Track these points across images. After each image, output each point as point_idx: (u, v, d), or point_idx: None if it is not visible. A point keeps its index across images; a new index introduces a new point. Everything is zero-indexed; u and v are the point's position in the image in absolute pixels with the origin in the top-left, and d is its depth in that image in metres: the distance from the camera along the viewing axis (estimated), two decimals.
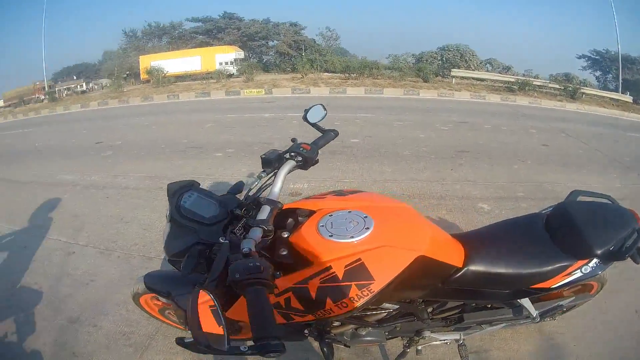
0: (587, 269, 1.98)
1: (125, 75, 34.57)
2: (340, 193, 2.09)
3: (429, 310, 2.21)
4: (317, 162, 2.19)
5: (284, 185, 1.98)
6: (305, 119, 2.40)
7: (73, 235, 4.85)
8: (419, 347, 2.46)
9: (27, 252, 4.64)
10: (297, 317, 1.77)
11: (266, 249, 1.75)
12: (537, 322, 2.36)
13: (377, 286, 1.63)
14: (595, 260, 1.97)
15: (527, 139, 8.03)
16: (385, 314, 2.09)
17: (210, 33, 38.90)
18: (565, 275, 1.99)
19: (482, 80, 22.02)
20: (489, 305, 2.30)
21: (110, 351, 2.92)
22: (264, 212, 1.72)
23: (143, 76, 27.59)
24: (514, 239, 2.12)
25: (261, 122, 9.95)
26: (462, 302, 2.25)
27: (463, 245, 2.03)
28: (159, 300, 2.57)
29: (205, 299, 1.22)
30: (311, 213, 1.91)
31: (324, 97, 14.98)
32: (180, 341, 1.23)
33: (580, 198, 2.35)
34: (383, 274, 1.65)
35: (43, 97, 34.06)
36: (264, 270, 1.32)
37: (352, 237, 1.69)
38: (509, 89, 18.81)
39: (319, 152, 2.22)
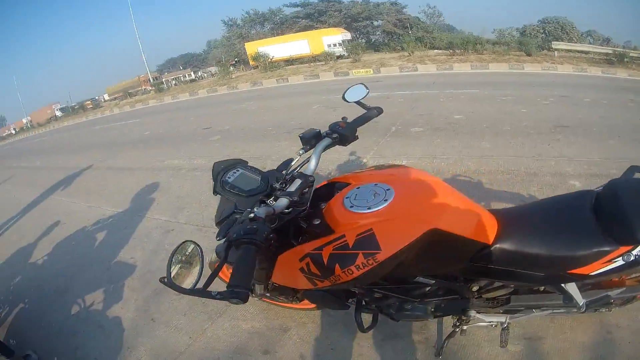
0: (630, 256, 1.79)
1: (234, 62, 35.89)
2: (379, 167, 2.21)
3: (474, 289, 2.15)
4: (356, 138, 2.36)
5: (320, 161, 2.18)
6: (343, 98, 2.58)
7: (174, 214, 5.33)
8: (465, 327, 2.41)
9: (127, 231, 5.21)
10: (318, 282, 1.88)
11: (305, 219, 1.94)
12: (583, 311, 2.14)
13: (382, 256, 1.69)
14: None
15: (626, 113, 7.52)
16: (428, 289, 2.13)
17: (311, 17, 39.23)
18: (606, 262, 1.82)
19: (583, 52, 20.80)
20: (541, 289, 2.18)
21: (186, 317, 3.30)
22: (294, 185, 1.91)
23: (252, 62, 28.36)
24: (555, 217, 2.01)
25: (367, 101, 10.05)
26: (511, 284, 2.14)
27: (499, 222, 1.97)
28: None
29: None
30: (347, 186, 2.04)
31: (431, 74, 14.74)
32: (161, 280, 1.56)
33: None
34: (390, 245, 1.70)
35: (150, 88, 36.30)
36: (257, 233, 1.51)
37: (369, 208, 1.80)
38: (609, 61, 17.46)
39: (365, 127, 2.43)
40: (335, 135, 2.29)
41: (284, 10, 40.52)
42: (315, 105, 11.22)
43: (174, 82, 45.44)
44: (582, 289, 2.07)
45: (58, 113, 56.19)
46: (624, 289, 2.15)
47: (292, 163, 2.20)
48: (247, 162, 2.24)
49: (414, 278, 2.02)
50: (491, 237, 1.89)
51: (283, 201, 1.81)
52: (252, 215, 1.63)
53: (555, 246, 1.86)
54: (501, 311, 2.29)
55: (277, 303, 3.07)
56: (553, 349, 2.45)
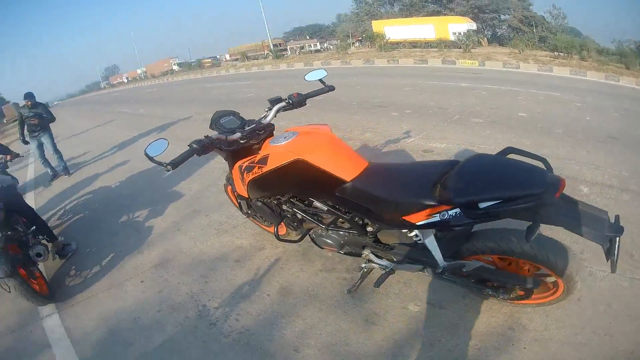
0: (445, 215, 2.18)
1: (360, 38, 36.31)
2: (310, 124, 3.04)
3: (369, 229, 2.70)
4: (304, 105, 3.38)
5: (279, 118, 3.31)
6: (304, 78, 3.63)
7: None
8: (363, 265, 3.03)
9: (195, 168, 6.88)
10: (243, 188, 3.08)
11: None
12: (439, 272, 2.54)
13: (264, 170, 2.70)
14: (457, 210, 2.15)
15: None
16: (331, 219, 2.88)
17: (440, 2, 38.65)
18: (428, 216, 2.24)
19: None
20: (413, 243, 2.61)
21: (203, 231, 4.74)
22: (249, 127, 3.04)
23: (389, 39, 28.38)
24: (411, 173, 2.51)
25: (452, 90, 10.53)
26: (366, 219, 2.69)
27: (368, 169, 2.58)
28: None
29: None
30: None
31: (530, 73, 14.67)
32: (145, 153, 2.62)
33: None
34: (272, 164, 2.65)
35: (268, 53, 37.58)
36: (198, 144, 2.63)
37: (278, 143, 2.71)
38: None
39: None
40: (288, 101, 3.31)
41: None
42: (407, 87, 11.70)
43: (298, 50, 46.63)
44: (445, 254, 2.49)
45: (175, 67, 58.87)
46: (480, 265, 2.47)
47: (263, 116, 3.23)
48: (239, 113, 3.27)
49: (289, 194, 2.97)
50: (351, 176, 2.50)
51: (237, 134, 2.95)
52: (204, 138, 2.72)
53: (396, 193, 2.36)
54: (393, 258, 2.77)
55: (262, 226, 4.20)
56: (447, 320, 2.85)
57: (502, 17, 38.63)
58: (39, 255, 4.14)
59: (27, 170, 10.45)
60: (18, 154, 5.86)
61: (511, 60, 16.30)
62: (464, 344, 2.66)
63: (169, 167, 2.47)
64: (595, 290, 2.95)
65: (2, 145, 5.85)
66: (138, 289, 3.91)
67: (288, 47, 49.53)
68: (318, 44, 47.43)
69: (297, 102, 3.30)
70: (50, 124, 8.70)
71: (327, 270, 3.58)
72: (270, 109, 3.22)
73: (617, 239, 2.01)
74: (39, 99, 8.55)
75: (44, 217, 5.46)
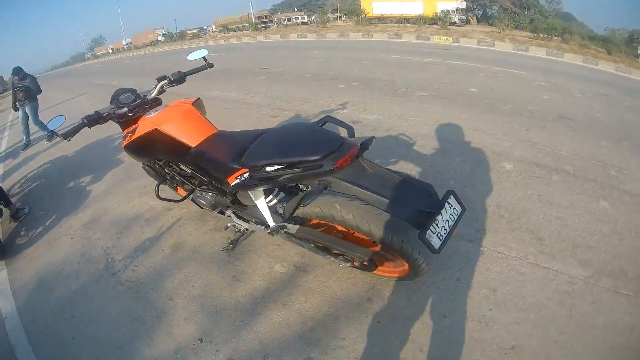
0: (242, 177, 2.42)
1: (346, 12, 35.83)
2: (184, 98, 3.29)
3: (227, 190, 2.78)
4: (183, 82, 3.54)
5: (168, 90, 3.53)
6: (187, 58, 3.81)
7: None
8: (228, 224, 3.32)
9: None
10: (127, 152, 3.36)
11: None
12: (268, 232, 2.72)
13: (133, 138, 3.08)
14: (248, 174, 2.38)
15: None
16: (197, 181, 3.12)
17: None
18: (235, 178, 2.48)
19: None
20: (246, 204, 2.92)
21: (128, 194, 5.00)
22: (133, 101, 3.29)
23: (368, 13, 28.00)
24: (240, 139, 2.65)
25: (414, 65, 10.18)
26: (204, 180, 2.97)
27: (212, 136, 2.85)
28: None
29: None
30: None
31: (503, 51, 14.28)
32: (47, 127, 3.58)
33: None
34: (137, 133, 3.02)
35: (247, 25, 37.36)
36: (88, 117, 2.99)
37: (147, 115, 3.07)
38: None
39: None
40: (170, 79, 3.44)
41: None
42: (367, 61, 11.35)
43: (285, 22, 46.17)
44: (284, 216, 2.59)
45: (160, 38, 59.07)
46: (297, 227, 2.58)
47: (151, 90, 3.45)
48: (136, 90, 3.45)
49: (155, 157, 3.24)
50: (195, 142, 2.79)
51: (124, 109, 3.21)
52: (93, 113, 3.07)
53: (221, 157, 2.58)
54: (246, 218, 3.01)
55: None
56: (307, 284, 2.96)
57: None
58: None
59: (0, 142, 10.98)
60: None
61: (487, 38, 15.87)
62: (316, 308, 2.75)
63: (64, 137, 2.97)
64: (483, 273, 2.84)
65: None
66: (67, 244, 4.36)
67: (275, 19, 49.03)
68: (305, 16, 46.81)
69: (176, 79, 3.49)
70: (37, 96, 9.35)
71: (217, 229, 3.83)
72: (155, 86, 3.45)
73: (435, 216, 2.04)
74: (27, 69, 9.18)
75: (9, 186, 6.52)
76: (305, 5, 60.23)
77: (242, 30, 38.44)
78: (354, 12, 27.74)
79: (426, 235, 2.00)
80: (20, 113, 9.29)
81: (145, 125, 3.02)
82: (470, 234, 3.20)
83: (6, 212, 5.30)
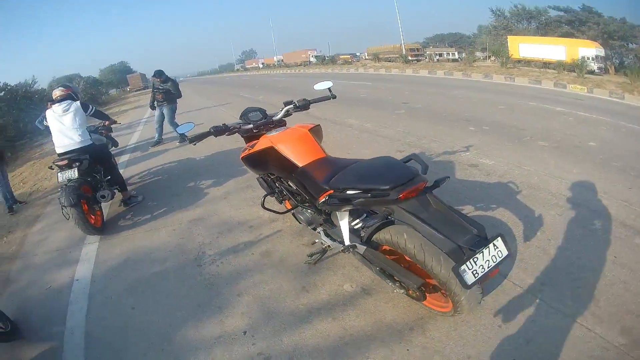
0: (328, 197, 2.74)
1: (491, 53, 35.45)
2: (303, 124, 3.69)
3: (318, 207, 3.10)
4: (307, 108, 4.05)
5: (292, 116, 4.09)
6: (313, 87, 4.36)
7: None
8: (316, 240, 3.72)
9: None
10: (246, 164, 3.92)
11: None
12: (342, 250, 3.12)
13: (251, 151, 3.61)
14: (332, 194, 2.71)
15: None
16: (299, 198, 3.52)
17: (572, 24, 36.53)
18: (324, 197, 2.79)
19: None
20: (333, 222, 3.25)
21: (242, 202, 5.79)
22: (257, 117, 3.87)
23: (512, 55, 27.54)
24: (337, 165, 3.01)
25: (544, 113, 10.18)
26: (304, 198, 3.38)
27: (318, 160, 3.19)
28: None
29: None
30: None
31: (632, 105, 13.17)
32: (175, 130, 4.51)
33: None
34: (256, 148, 3.54)
35: (397, 56, 37.51)
36: (215, 127, 3.58)
37: (268, 134, 3.55)
38: None
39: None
40: (296, 104, 3.98)
41: (549, 12, 38.30)
42: (503, 106, 11.52)
43: (436, 57, 46.18)
44: (353, 237, 2.98)
45: (312, 59, 59.60)
46: (365, 248, 2.89)
47: (279, 113, 3.96)
48: (265, 110, 3.99)
49: (268, 171, 3.75)
50: (303, 163, 3.16)
51: (250, 125, 3.78)
52: (221, 125, 3.63)
53: (317, 178, 2.93)
54: (332, 236, 3.39)
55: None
56: (364, 304, 3.30)
57: (630, 45, 35.53)
58: (102, 197, 5.52)
59: (132, 135, 12.60)
60: (115, 121, 7.26)
61: (618, 90, 15.01)
62: (360, 327, 3.05)
63: (190, 141, 3.58)
64: (528, 323, 2.92)
65: (103, 112, 6.99)
66: (167, 234, 5.12)
67: (427, 52, 49.11)
68: (456, 53, 46.59)
69: (301, 105, 3.99)
70: (176, 99, 10.42)
71: (308, 244, 4.26)
72: (282, 109, 3.95)
73: (475, 253, 2.25)
74: (172, 73, 10.21)
75: (130, 174, 7.73)
76: (457, 41, 59.87)
77: (392, 61, 39.22)
78: (498, 53, 27.45)
79: (460, 269, 2.19)
80: (157, 112, 10.34)
81: (264, 142, 3.47)
82: (531, 284, 3.33)
83: (119, 196, 6.23)
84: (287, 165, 3.26)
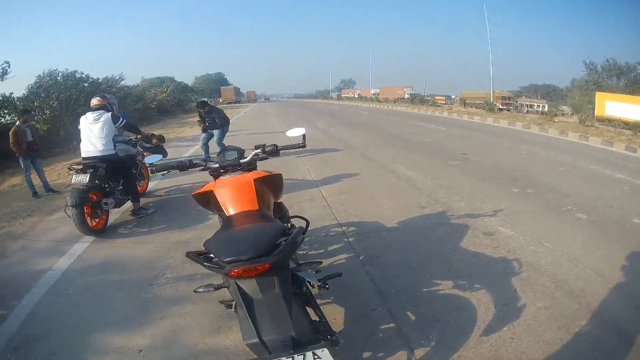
0: (191, 255, 2.65)
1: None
2: (259, 172, 3.61)
3: None
4: (277, 155, 3.94)
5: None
6: (285, 134, 4.41)
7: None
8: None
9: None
10: None
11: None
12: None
13: (200, 190, 3.52)
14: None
15: None
16: None
17: None
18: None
19: None
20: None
21: None
22: (232, 157, 3.75)
23: (598, 113, 25.92)
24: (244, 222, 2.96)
25: (599, 180, 9.29)
26: None
27: (248, 211, 3.05)
28: None
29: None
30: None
31: None
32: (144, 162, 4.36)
33: None
34: (204, 189, 3.49)
35: (482, 103, 36.86)
36: (180, 162, 3.87)
37: (222, 176, 3.58)
38: None
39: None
40: (263, 149, 3.90)
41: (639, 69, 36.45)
42: (563, 167, 10.68)
43: (526, 107, 45.24)
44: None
45: (407, 96, 60.18)
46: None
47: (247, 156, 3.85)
48: (244, 151, 3.90)
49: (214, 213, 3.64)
50: (231, 212, 3.11)
51: (215, 165, 3.74)
52: (186, 161, 3.87)
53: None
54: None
55: None
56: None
57: None
58: (105, 204, 6.12)
59: (189, 149, 13.93)
60: (146, 135, 8.06)
61: None
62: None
63: (153, 171, 3.99)
64: None
65: (135, 126, 7.55)
66: (150, 249, 5.56)
67: (519, 102, 48.20)
68: (546, 105, 45.44)
69: (268, 151, 3.90)
70: (223, 126, 11.29)
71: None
72: (251, 153, 3.88)
73: (274, 357, 2.09)
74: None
75: (161, 187, 8.58)
76: (549, 93, 58.30)
77: (479, 108, 38.59)
78: (580, 109, 25.88)
79: None
80: (204, 134, 11.36)
81: (211, 184, 3.50)
82: None
83: (131, 206, 6.88)
84: (221, 212, 3.25)
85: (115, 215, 6.98)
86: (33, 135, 9.61)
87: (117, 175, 6.65)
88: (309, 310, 2.56)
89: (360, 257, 5.16)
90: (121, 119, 6.50)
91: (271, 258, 2.23)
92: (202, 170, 3.87)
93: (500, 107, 38.89)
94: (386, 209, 7.01)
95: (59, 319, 4.05)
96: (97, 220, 6.16)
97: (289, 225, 4.04)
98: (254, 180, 3.33)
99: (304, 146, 4.18)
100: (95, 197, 6.14)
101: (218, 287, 3.03)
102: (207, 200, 3.48)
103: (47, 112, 22.58)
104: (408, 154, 12.18)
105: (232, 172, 3.68)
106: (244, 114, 40.36)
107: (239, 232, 2.61)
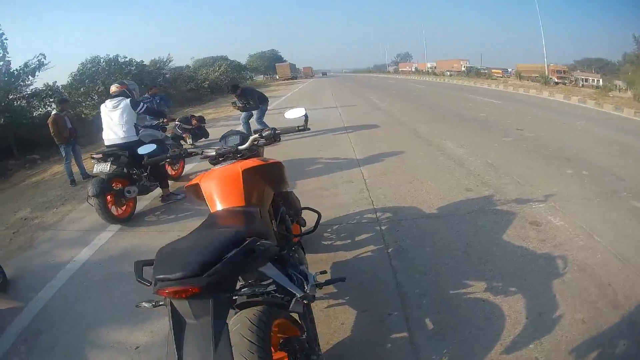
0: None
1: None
2: (254, 160, 3.26)
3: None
4: (278, 140, 3.52)
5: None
6: (284, 115, 3.89)
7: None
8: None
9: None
10: None
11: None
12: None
13: (192, 182, 3.16)
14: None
15: None
16: None
17: None
18: None
19: None
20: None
21: None
22: (235, 142, 3.46)
23: None
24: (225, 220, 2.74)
25: None
26: None
27: (233, 207, 2.73)
28: None
29: None
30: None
31: None
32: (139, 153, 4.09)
33: None
34: (194, 180, 3.13)
35: (538, 77, 35.60)
36: (174, 153, 4.00)
37: (214, 166, 3.25)
38: None
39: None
40: (261, 134, 3.49)
41: None
42: (618, 146, 9.66)
43: (582, 82, 43.62)
44: None
45: (463, 69, 59.48)
46: None
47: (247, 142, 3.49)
48: (246, 135, 3.59)
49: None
50: (214, 209, 2.86)
51: (212, 152, 3.40)
52: (180, 151, 3.81)
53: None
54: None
55: None
56: None
57: None
58: (128, 192, 6.05)
59: (236, 127, 13.13)
60: (172, 118, 8.30)
61: None
62: None
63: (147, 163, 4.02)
64: None
65: (156, 109, 8.00)
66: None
67: (574, 77, 46.46)
68: (600, 80, 43.65)
69: (266, 136, 3.46)
70: (263, 103, 11.21)
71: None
72: (249, 139, 3.50)
73: None
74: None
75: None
76: (602, 67, 55.64)
77: (535, 81, 37.27)
78: (633, 84, 23.84)
79: None
80: (243, 113, 11.32)
81: (201, 175, 3.11)
82: None
83: (159, 191, 6.83)
84: (208, 205, 2.90)
85: (145, 201, 6.98)
86: (72, 122, 9.76)
87: (142, 161, 6.45)
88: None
89: (389, 250, 4.74)
90: (142, 104, 6.46)
91: (202, 280, 1.85)
92: (202, 159, 3.50)
93: (557, 80, 37.27)
94: (428, 192, 6.60)
95: (69, 313, 4.09)
96: (123, 208, 6.15)
97: (293, 219, 3.90)
98: (243, 171, 2.91)
99: (305, 129, 3.71)
100: (120, 185, 6.12)
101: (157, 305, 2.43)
102: (197, 194, 3.09)
103: (95, 97, 22.96)
104: (459, 130, 11.65)
105: (231, 160, 3.30)
106: (300, 90, 40.97)
107: (188, 241, 2.19)
